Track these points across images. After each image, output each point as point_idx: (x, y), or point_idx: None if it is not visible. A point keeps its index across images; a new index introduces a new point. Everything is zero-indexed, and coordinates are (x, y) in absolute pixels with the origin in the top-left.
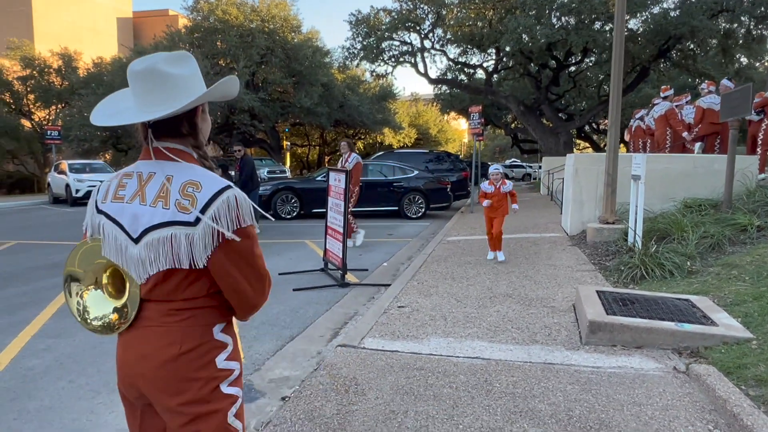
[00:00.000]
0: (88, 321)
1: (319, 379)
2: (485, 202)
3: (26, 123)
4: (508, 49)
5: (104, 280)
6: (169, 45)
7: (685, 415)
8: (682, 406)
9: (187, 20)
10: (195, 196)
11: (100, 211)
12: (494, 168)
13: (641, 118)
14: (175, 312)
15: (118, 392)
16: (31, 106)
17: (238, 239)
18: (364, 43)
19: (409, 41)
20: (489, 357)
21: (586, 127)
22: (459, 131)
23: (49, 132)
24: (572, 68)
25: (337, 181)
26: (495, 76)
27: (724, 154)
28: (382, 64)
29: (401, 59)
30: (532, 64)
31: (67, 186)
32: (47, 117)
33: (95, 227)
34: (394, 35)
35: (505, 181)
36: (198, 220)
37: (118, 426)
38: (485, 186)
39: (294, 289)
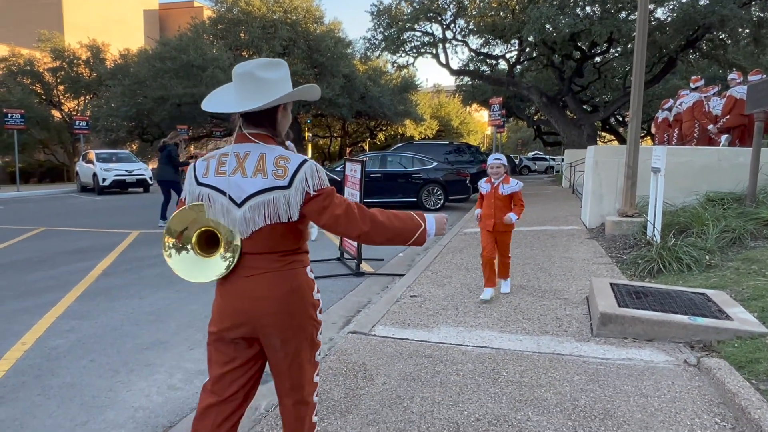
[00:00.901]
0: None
1: (329, 364)
2: (476, 212)
3: (56, 113)
4: (530, 39)
5: (193, 240)
6: (193, 36)
7: (692, 407)
8: (689, 399)
9: (212, 12)
10: (286, 167)
11: (200, 184)
12: (494, 158)
13: (669, 109)
14: (279, 259)
15: (135, 372)
16: (61, 96)
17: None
18: (386, 33)
19: (430, 32)
20: (498, 346)
21: (611, 120)
22: (481, 123)
23: (77, 122)
24: (597, 59)
25: (353, 171)
26: (517, 67)
27: (749, 146)
28: (403, 55)
29: (423, 50)
30: (555, 55)
31: (95, 175)
32: (76, 107)
33: (195, 197)
34: (416, 26)
35: (509, 177)
36: (291, 183)
37: (135, 404)
38: (482, 185)
39: None
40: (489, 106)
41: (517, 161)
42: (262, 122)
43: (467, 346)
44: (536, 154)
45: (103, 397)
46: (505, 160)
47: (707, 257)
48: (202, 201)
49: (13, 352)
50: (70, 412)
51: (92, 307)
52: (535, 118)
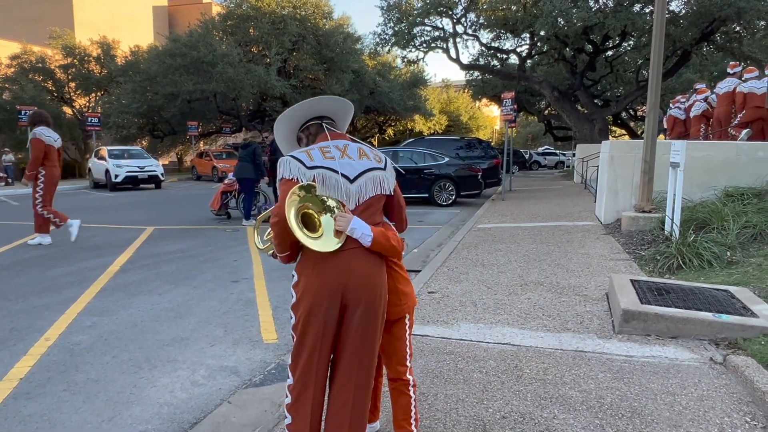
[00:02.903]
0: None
1: None
2: None
3: (68, 110)
4: (542, 33)
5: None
6: (203, 33)
7: (721, 406)
8: (718, 397)
9: (221, 8)
10: (380, 156)
11: (311, 167)
12: None
13: (693, 105)
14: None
15: (158, 368)
16: (72, 93)
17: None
18: (396, 28)
19: (441, 26)
20: (519, 343)
21: (623, 114)
22: (491, 118)
23: (89, 119)
24: (609, 52)
25: None
26: (529, 61)
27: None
28: (413, 50)
29: (433, 45)
30: (567, 49)
31: (107, 171)
32: (87, 104)
33: (309, 178)
34: (426, 20)
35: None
36: (386, 167)
37: (159, 399)
38: None
39: None
40: (500, 100)
41: (526, 156)
42: (338, 132)
43: (488, 342)
44: (546, 148)
45: (128, 393)
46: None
47: (728, 253)
48: (314, 181)
49: (37, 348)
50: (96, 408)
51: (112, 303)
52: (546, 112)
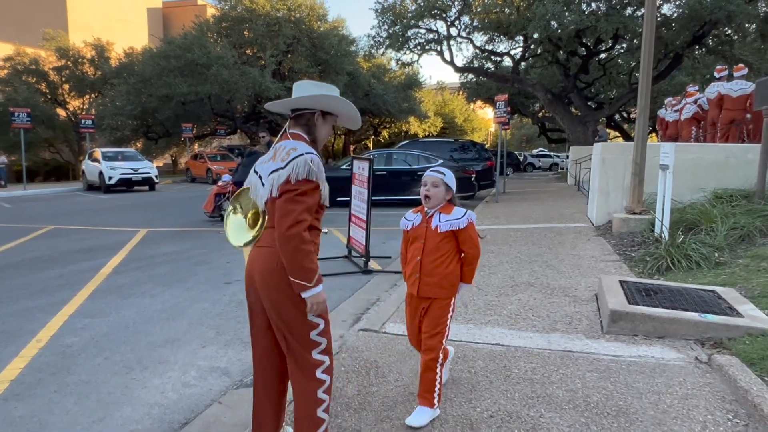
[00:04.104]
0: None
1: (342, 361)
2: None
3: (61, 112)
4: (536, 36)
5: (249, 216)
6: (198, 35)
7: (705, 404)
8: (702, 396)
9: (216, 10)
10: (290, 154)
11: (254, 172)
12: (431, 173)
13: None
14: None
15: (149, 369)
16: (66, 95)
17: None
18: (390, 31)
19: (435, 29)
20: (509, 344)
21: (617, 116)
22: (485, 120)
23: (83, 121)
24: (602, 55)
25: (360, 170)
26: (522, 64)
27: (758, 143)
28: (407, 52)
29: (427, 47)
30: (560, 52)
31: (101, 173)
32: (81, 106)
33: (250, 182)
34: (420, 23)
35: (451, 205)
36: (286, 165)
37: (150, 400)
38: (407, 217)
39: None
40: (494, 103)
41: (521, 158)
42: (299, 125)
43: (478, 343)
44: (540, 151)
45: (119, 394)
46: (448, 177)
47: (716, 254)
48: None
49: (28, 350)
50: (87, 409)
51: (104, 305)
52: (540, 115)
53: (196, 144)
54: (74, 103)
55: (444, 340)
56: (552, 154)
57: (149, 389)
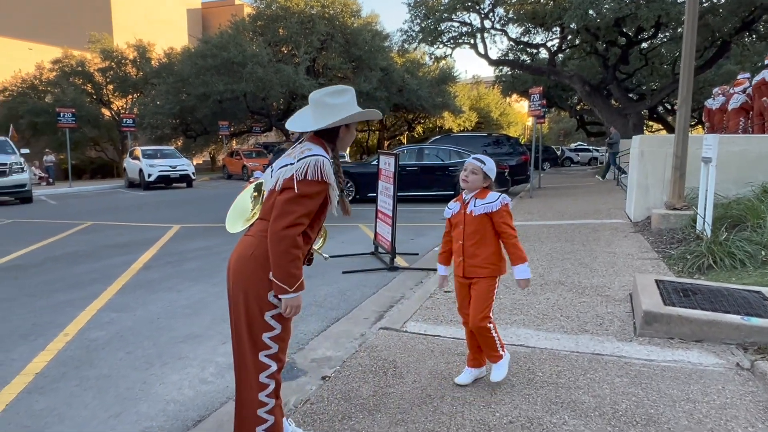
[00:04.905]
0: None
1: (359, 360)
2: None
3: (106, 112)
4: (573, 26)
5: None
6: (233, 34)
7: (745, 415)
8: (742, 406)
9: (252, 9)
10: (303, 153)
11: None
12: (473, 160)
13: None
14: (262, 224)
15: (168, 365)
16: (110, 95)
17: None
18: (423, 25)
19: (468, 21)
20: (534, 345)
21: (659, 108)
22: (521, 114)
23: (124, 120)
24: (644, 44)
25: (386, 165)
26: (559, 55)
27: None
28: (441, 46)
29: (460, 41)
30: (599, 42)
31: (141, 171)
32: (124, 106)
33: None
34: (453, 16)
35: (486, 191)
36: (297, 161)
37: (166, 396)
38: (450, 206)
39: (343, 272)
40: (529, 96)
41: (558, 152)
42: (324, 135)
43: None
44: (579, 145)
45: (137, 389)
46: (488, 166)
47: (763, 253)
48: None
49: (55, 344)
50: (105, 403)
51: (132, 299)
52: (578, 107)
53: (234, 141)
54: (118, 103)
55: (490, 313)
56: (591, 148)
57: (167, 385)
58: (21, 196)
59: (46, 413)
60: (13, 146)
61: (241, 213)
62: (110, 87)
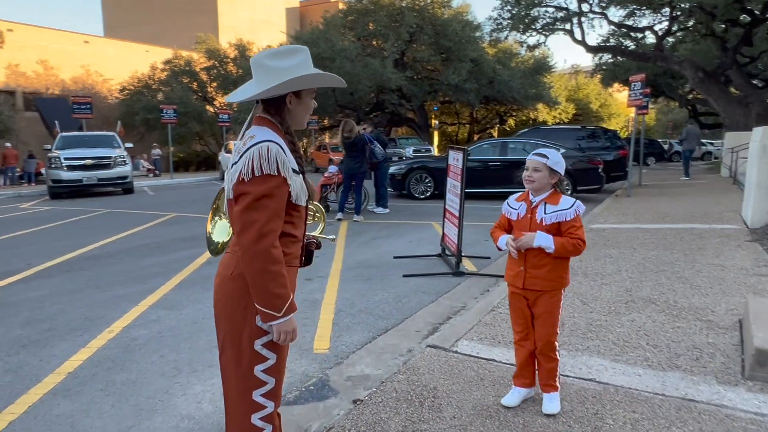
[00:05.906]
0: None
1: (395, 385)
2: (502, 242)
3: (209, 108)
4: (685, 5)
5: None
6: (325, 30)
7: None
8: None
9: (344, 5)
10: (246, 144)
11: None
12: (533, 156)
13: None
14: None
15: (196, 373)
16: (214, 93)
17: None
18: (513, 11)
19: (564, 6)
20: (607, 381)
21: None
22: (624, 105)
23: (220, 116)
24: None
25: (455, 161)
26: (668, 39)
27: None
28: (533, 33)
29: (554, 27)
30: (716, 22)
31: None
32: (226, 102)
33: None
34: (546, 0)
35: (559, 194)
36: (239, 159)
37: (183, 411)
38: (510, 203)
39: (404, 275)
40: (630, 84)
41: (666, 146)
42: (268, 109)
43: (567, 376)
44: None
45: (157, 399)
46: (552, 160)
47: None
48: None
49: (97, 341)
50: (121, 413)
51: (185, 296)
52: (690, 96)
53: (327, 135)
54: (220, 100)
55: (558, 329)
56: (705, 141)
57: (188, 397)
58: (123, 186)
59: (62, 420)
60: (119, 141)
61: (222, 230)
62: (214, 84)
